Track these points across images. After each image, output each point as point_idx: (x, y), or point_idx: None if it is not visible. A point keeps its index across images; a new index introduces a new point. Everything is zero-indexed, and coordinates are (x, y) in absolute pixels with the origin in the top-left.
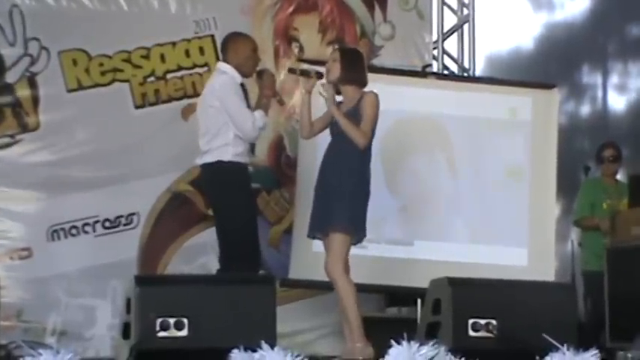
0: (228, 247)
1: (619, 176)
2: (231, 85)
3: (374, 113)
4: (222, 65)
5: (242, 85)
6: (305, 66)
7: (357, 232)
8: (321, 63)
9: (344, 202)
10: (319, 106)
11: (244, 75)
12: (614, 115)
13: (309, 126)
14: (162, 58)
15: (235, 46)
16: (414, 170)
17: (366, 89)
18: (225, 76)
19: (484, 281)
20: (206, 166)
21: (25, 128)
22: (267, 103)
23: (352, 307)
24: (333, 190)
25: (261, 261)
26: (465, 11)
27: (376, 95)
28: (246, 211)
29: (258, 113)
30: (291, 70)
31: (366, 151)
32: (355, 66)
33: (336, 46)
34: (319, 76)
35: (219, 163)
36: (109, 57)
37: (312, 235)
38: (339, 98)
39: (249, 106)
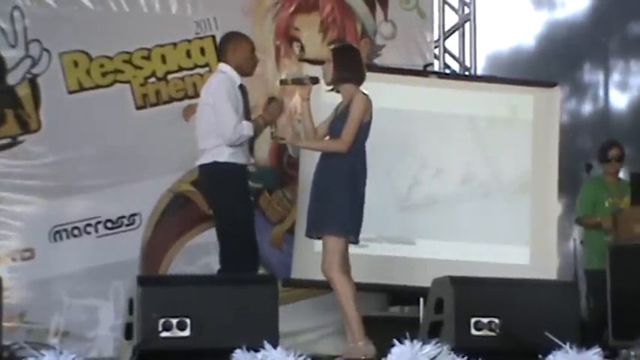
0: (226, 246)
1: (621, 174)
2: (225, 84)
3: (358, 116)
4: (222, 65)
5: (241, 86)
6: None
7: (350, 234)
8: (322, 63)
9: (334, 206)
10: (324, 110)
11: (244, 74)
12: (616, 113)
13: (313, 132)
14: (163, 58)
15: (233, 47)
16: (416, 169)
17: (366, 89)
18: (223, 76)
19: (486, 280)
20: (203, 167)
21: (26, 130)
22: (261, 125)
23: (350, 305)
24: (323, 194)
25: (259, 259)
26: (466, 10)
27: (365, 97)
28: (243, 210)
29: (247, 124)
30: (283, 82)
31: (358, 153)
32: (349, 64)
33: (331, 46)
34: (313, 80)
35: (216, 164)
36: (110, 58)
37: (309, 235)
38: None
39: (247, 107)
